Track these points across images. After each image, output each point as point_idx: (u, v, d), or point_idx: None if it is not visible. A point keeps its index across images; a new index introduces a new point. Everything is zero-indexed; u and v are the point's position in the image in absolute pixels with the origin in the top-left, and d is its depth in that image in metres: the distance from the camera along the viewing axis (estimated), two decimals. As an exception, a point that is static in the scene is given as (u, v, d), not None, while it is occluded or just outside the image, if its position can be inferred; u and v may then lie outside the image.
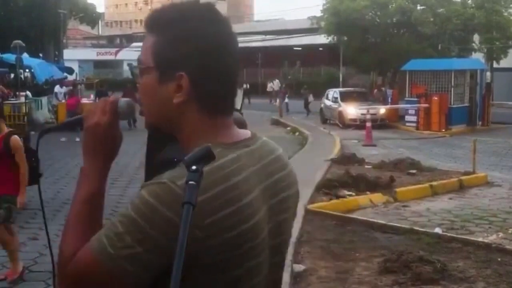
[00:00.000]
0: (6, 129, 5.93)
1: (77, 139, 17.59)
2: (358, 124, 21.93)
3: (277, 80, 40.35)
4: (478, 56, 27.86)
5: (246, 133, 1.38)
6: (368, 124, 18.28)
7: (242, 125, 1.50)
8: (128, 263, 1.18)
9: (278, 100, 30.21)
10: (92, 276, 1.21)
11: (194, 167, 1.14)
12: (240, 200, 1.24)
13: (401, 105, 24.33)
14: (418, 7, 27.50)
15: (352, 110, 22.94)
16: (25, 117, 18.35)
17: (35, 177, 5.81)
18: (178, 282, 1.08)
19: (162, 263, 1.19)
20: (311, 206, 8.64)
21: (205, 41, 1.28)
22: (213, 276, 1.24)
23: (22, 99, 19.64)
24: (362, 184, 9.90)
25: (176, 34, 1.28)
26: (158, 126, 1.37)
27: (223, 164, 1.25)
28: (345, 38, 29.45)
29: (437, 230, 7.62)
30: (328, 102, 25.30)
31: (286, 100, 29.76)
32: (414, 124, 22.33)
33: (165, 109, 1.30)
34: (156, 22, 1.32)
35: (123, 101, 1.42)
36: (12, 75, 24.38)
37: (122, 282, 1.20)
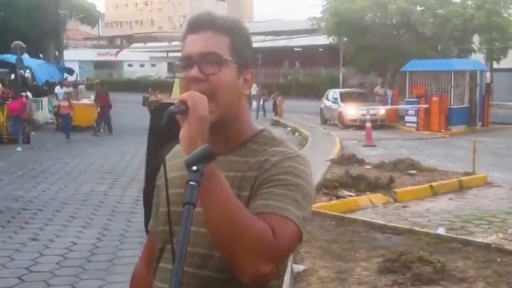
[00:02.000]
0: None
1: (67, 141, 17.79)
2: (358, 125, 21.93)
3: (254, 84, 39.90)
4: (478, 57, 27.85)
5: None
6: (368, 125, 18.28)
7: None
8: (306, 222, 1.42)
9: (254, 103, 29.95)
10: (298, 242, 1.41)
11: (194, 167, 1.15)
12: None
13: (401, 106, 24.33)
14: (418, 8, 27.48)
15: (352, 111, 22.94)
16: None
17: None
18: (178, 282, 1.09)
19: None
20: (311, 207, 8.64)
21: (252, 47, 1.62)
22: None
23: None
24: (362, 185, 9.90)
25: (245, 37, 1.56)
26: (225, 117, 1.48)
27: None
28: (345, 39, 29.43)
29: (440, 230, 7.62)
30: (328, 103, 25.30)
31: (263, 103, 28.59)
32: (414, 125, 22.32)
33: (239, 99, 1.52)
34: (226, 25, 1.52)
35: None
36: (13, 76, 24.36)
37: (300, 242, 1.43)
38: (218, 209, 1.31)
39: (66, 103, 19.13)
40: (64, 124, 19.10)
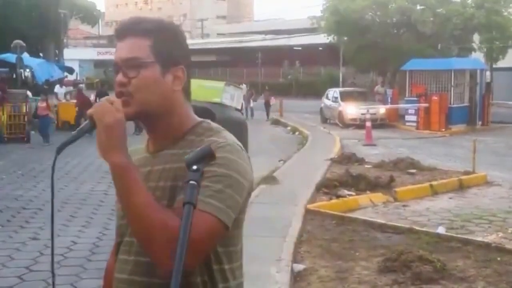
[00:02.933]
0: None
1: (45, 144, 17.74)
2: (358, 124, 21.93)
3: (244, 85, 37.68)
4: (478, 56, 27.85)
5: None
6: (368, 124, 18.29)
7: (241, 125, 1.68)
8: (234, 211, 1.47)
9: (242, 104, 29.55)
10: (219, 232, 1.45)
11: (195, 167, 1.16)
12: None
13: (401, 105, 24.33)
14: (418, 7, 27.48)
15: (352, 110, 22.94)
16: (26, 117, 18.35)
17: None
18: (178, 282, 1.09)
19: (244, 206, 1.56)
20: (311, 206, 8.65)
21: (186, 43, 1.68)
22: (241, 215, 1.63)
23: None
24: (362, 184, 9.90)
25: (171, 36, 1.63)
26: (149, 114, 1.60)
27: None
28: (345, 38, 29.43)
29: (440, 229, 7.62)
30: (328, 102, 25.30)
31: (252, 104, 27.98)
32: (414, 124, 22.33)
33: (166, 96, 1.60)
34: (148, 27, 1.61)
35: None
36: (13, 75, 24.37)
37: (227, 230, 1.48)
38: (127, 205, 1.47)
39: (44, 104, 17.99)
40: (42, 126, 17.77)
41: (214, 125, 1.67)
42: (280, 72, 48.42)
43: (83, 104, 19.75)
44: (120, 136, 1.50)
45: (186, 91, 1.64)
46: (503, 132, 21.23)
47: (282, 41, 49.09)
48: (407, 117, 23.13)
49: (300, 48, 48.59)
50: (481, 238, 7.21)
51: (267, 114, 27.51)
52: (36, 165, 13.54)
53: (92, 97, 24.44)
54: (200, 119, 1.67)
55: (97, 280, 6.09)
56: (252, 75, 48.54)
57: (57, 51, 35.80)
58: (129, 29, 1.62)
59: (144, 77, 1.57)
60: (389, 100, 25.49)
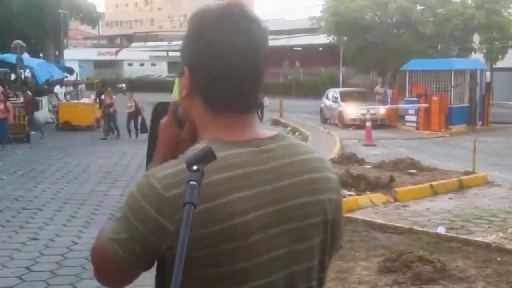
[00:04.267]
0: None
1: None
2: (358, 124, 21.93)
3: None
4: (478, 56, 27.85)
5: (262, 133, 1.37)
6: (368, 124, 18.29)
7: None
8: (119, 247, 1.29)
9: None
10: (103, 259, 1.36)
11: (195, 167, 1.15)
12: (215, 199, 1.23)
13: (401, 105, 24.33)
14: (418, 7, 27.49)
15: (352, 110, 22.95)
16: (26, 117, 18.37)
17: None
18: (178, 282, 1.09)
19: (143, 250, 1.28)
20: (311, 206, 8.64)
21: (205, 41, 1.32)
22: (204, 271, 1.26)
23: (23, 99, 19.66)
24: (362, 184, 9.90)
25: (187, 33, 1.39)
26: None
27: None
28: (345, 38, 29.44)
29: (440, 229, 7.62)
30: (328, 102, 25.30)
31: None
32: (414, 124, 22.33)
33: (182, 101, 1.40)
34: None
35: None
36: (13, 76, 24.37)
37: (120, 265, 1.32)
38: None
39: (1, 106, 16.86)
40: None
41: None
42: (280, 72, 48.37)
43: (28, 105, 19.27)
44: (161, 140, 1.45)
45: (211, 100, 1.35)
46: (503, 132, 21.23)
47: (282, 41, 49.02)
48: (407, 118, 23.13)
49: (300, 48, 48.57)
50: (481, 238, 7.21)
51: (260, 117, 27.47)
52: (36, 165, 13.55)
53: (92, 97, 24.44)
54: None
55: (97, 280, 6.09)
56: (252, 75, 48.54)
57: (57, 51, 35.77)
58: None
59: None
60: (389, 101, 25.51)
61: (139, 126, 18.54)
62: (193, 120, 1.38)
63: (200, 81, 1.33)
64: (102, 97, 21.31)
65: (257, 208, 1.26)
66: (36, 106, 20.72)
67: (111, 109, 19.50)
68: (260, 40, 1.38)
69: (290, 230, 1.31)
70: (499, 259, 6.35)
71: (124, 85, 36.64)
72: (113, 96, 20.42)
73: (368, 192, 9.66)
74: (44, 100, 23.84)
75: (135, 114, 18.97)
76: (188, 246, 1.12)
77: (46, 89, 25.24)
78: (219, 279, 1.26)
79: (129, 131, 19.18)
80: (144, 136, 17.20)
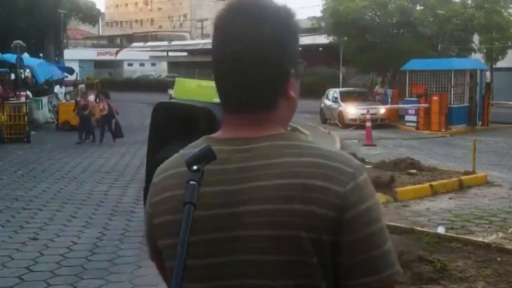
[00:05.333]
0: None
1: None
2: (358, 124, 21.93)
3: None
4: (478, 57, 27.84)
5: (264, 131, 1.26)
6: (368, 124, 18.28)
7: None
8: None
9: None
10: None
11: (195, 167, 1.15)
12: (163, 192, 1.29)
13: (401, 105, 24.33)
14: (418, 7, 27.49)
15: (352, 110, 22.94)
16: (26, 117, 18.36)
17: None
18: (178, 283, 1.09)
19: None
20: (311, 206, 8.63)
21: (217, 38, 1.29)
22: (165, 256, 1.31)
23: (23, 99, 19.66)
24: (362, 184, 9.88)
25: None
26: None
27: (179, 155, 1.32)
28: (345, 38, 29.44)
29: (440, 229, 7.61)
30: (328, 102, 25.30)
31: None
32: (414, 124, 22.33)
33: None
34: None
35: None
36: (13, 75, 24.34)
37: None
38: None
39: None
40: None
41: None
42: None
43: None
44: None
45: (220, 98, 1.32)
46: (503, 132, 21.22)
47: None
48: (407, 117, 23.13)
49: (300, 49, 48.51)
50: (481, 238, 7.21)
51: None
52: (36, 165, 13.55)
53: (92, 97, 24.43)
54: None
55: (97, 280, 6.09)
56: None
57: (57, 51, 35.78)
58: None
59: None
60: (389, 100, 25.51)
61: (113, 130, 17.44)
62: None
63: (215, 79, 1.31)
64: (79, 99, 19.88)
65: (207, 208, 1.20)
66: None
67: (86, 112, 18.00)
68: (264, 41, 1.24)
69: (236, 237, 1.19)
70: (499, 259, 6.34)
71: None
72: (89, 98, 18.82)
73: (368, 192, 9.64)
74: (44, 100, 23.84)
75: (109, 117, 17.54)
76: (159, 231, 1.27)
77: (46, 89, 25.27)
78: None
79: (101, 134, 17.57)
80: (119, 141, 16.85)
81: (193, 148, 1.22)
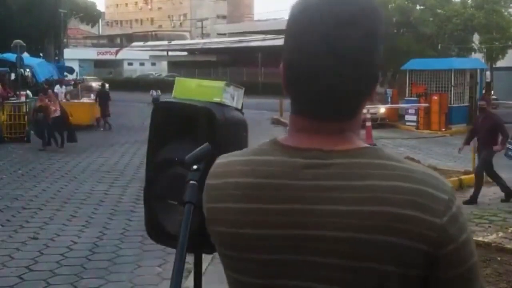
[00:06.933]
0: None
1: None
2: (358, 124, 21.91)
3: (158, 90, 30.42)
4: (478, 56, 27.86)
5: (346, 144, 1.10)
6: (368, 124, 18.27)
7: (241, 125, 1.47)
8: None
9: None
10: None
11: (195, 167, 1.15)
12: (208, 203, 1.15)
13: (401, 105, 24.34)
14: (418, 7, 27.50)
15: (352, 110, 22.91)
16: (26, 117, 18.36)
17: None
18: (179, 283, 1.09)
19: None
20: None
21: (293, 38, 1.14)
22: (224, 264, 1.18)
23: (23, 99, 19.66)
24: (362, 184, 9.89)
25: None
26: None
27: (238, 162, 1.15)
28: (345, 38, 29.44)
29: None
30: (328, 102, 25.29)
31: None
32: (414, 124, 22.34)
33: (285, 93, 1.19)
34: None
35: None
36: (13, 75, 24.37)
37: None
38: None
39: None
40: None
41: None
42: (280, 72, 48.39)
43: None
44: None
45: (292, 100, 1.15)
46: (503, 132, 21.20)
47: (282, 41, 49.05)
48: (407, 117, 23.14)
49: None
50: (481, 238, 7.21)
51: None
52: (36, 165, 13.55)
53: (92, 97, 24.40)
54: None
55: (97, 279, 6.09)
56: (252, 75, 48.54)
57: (57, 50, 35.81)
58: None
59: None
60: (389, 100, 25.51)
61: (64, 134, 16.03)
62: None
63: (287, 79, 1.14)
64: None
65: (256, 226, 1.09)
66: None
67: (40, 114, 16.18)
68: (348, 44, 1.07)
69: (311, 262, 1.06)
70: (499, 258, 6.35)
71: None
72: (46, 100, 16.72)
73: (368, 192, 9.64)
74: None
75: (61, 120, 15.97)
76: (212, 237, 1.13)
77: (46, 88, 25.26)
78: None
79: (54, 138, 16.08)
80: (69, 146, 16.22)
81: (258, 153, 1.13)
